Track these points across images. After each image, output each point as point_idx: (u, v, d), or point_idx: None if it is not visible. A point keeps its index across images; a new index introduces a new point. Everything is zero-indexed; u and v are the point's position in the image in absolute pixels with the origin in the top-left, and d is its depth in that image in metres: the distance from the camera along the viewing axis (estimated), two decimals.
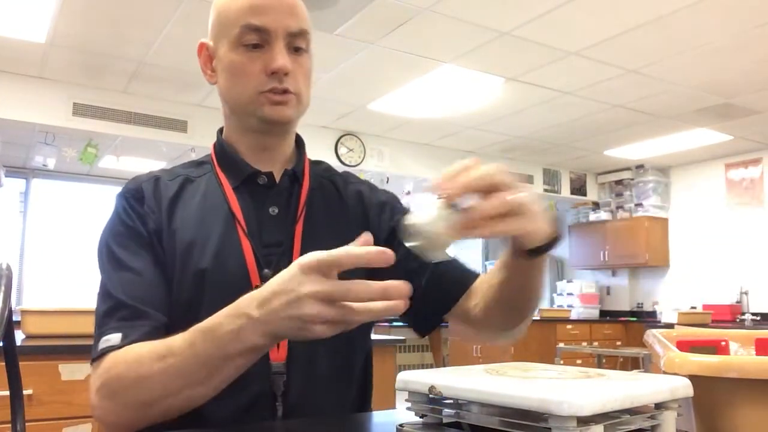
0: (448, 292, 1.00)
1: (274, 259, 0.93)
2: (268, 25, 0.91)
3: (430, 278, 0.99)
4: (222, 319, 0.71)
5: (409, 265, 0.98)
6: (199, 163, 1.05)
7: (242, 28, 0.91)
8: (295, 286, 0.66)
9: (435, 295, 0.99)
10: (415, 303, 1.01)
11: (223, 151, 1.02)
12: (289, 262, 0.92)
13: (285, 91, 0.93)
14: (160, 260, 0.91)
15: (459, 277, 1.00)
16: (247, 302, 0.70)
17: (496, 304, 0.92)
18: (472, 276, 1.00)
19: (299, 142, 1.07)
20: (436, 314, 1.02)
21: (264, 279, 0.90)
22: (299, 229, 0.96)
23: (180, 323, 0.86)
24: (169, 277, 0.90)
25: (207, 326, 0.73)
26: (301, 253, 0.91)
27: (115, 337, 0.81)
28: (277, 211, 0.97)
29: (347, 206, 1.04)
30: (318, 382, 0.92)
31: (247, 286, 0.89)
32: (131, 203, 0.94)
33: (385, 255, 0.64)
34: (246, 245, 0.92)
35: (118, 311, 0.85)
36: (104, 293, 0.88)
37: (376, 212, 1.05)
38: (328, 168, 1.11)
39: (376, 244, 0.99)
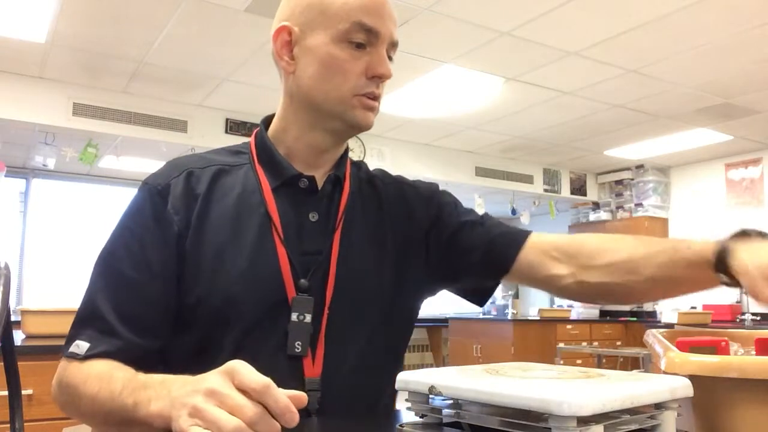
0: (499, 262, 0.99)
1: (312, 268, 0.89)
2: (379, 28, 0.88)
3: (480, 254, 0.99)
4: (149, 390, 0.69)
5: (458, 245, 1.00)
6: (235, 152, 0.98)
7: (353, 25, 0.87)
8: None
9: (485, 269, 1.00)
10: (468, 280, 1.03)
11: (265, 145, 0.95)
12: (327, 271, 0.90)
13: (377, 98, 0.91)
14: (169, 270, 0.86)
15: (507, 247, 0.99)
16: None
17: (609, 284, 0.92)
18: (518, 244, 0.98)
19: None
20: (489, 285, 1.04)
21: (300, 289, 0.87)
22: (337, 237, 0.92)
23: (213, 328, 0.86)
24: (186, 289, 0.86)
25: (141, 383, 0.72)
26: (339, 262, 0.91)
27: (83, 346, 0.82)
28: (317, 217, 0.93)
29: (387, 210, 1.00)
30: (354, 396, 0.89)
31: (281, 296, 0.86)
32: (154, 200, 0.88)
33: (289, 415, 0.58)
34: (281, 252, 0.88)
35: (95, 320, 0.84)
36: (91, 294, 0.86)
37: (422, 207, 1.03)
38: (368, 170, 1.06)
39: (417, 237, 1.00)
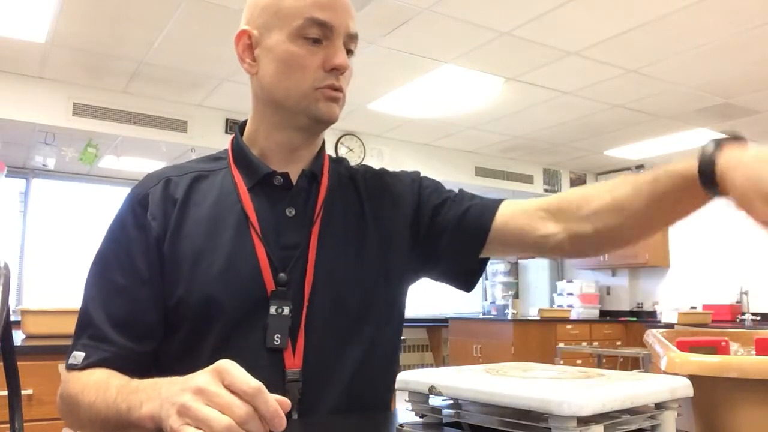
0: (474, 231, 0.97)
1: (291, 262, 0.90)
2: (333, 22, 0.90)
3: (454, 227, 0.98)
4: (141, 394, 0.71)
5: (437, 225, 1.00)
6: (215, 158, 1.01)
7: (306, 21, 0.89)
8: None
9: (462, 242, 0.98)
10: (450, 259, 1.01)
11: (240, 148, 0.98)
12: (305, 264, 0.91)
13: (338, 89, 0.92)
14: (154, 274, 0.89)
15: (480, 214, 0.98)
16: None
17: (601, 230, 0.90)
18: (491, 210, 0.98)
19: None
20: (473, 265, 1.00)
21: (279, 283, 0.89)
22: (315, 230, 0.94)
23: (196, 328, 0.88)
24: (167, 291, 0.88)
25: (134, 387, 0.73)
26: (317, 255, 0.92)
27: (80, 356, 0.86)
28: (294, 212, 0.94)
29: (368, 202, 1.01)
30: (336, 387, 0.90)
31: (261, 291, 0.88)
32: (135, 209, 0.91)
33: (278, 420, 0.59)
34: (259, 248, 0.90)
35: (89, 329, 0.87)
36: (86, 303, 0.89)
37: (405, 195, 1.03)
38: (348, 166, 1.08)
39: (401, 226, 1.00)
